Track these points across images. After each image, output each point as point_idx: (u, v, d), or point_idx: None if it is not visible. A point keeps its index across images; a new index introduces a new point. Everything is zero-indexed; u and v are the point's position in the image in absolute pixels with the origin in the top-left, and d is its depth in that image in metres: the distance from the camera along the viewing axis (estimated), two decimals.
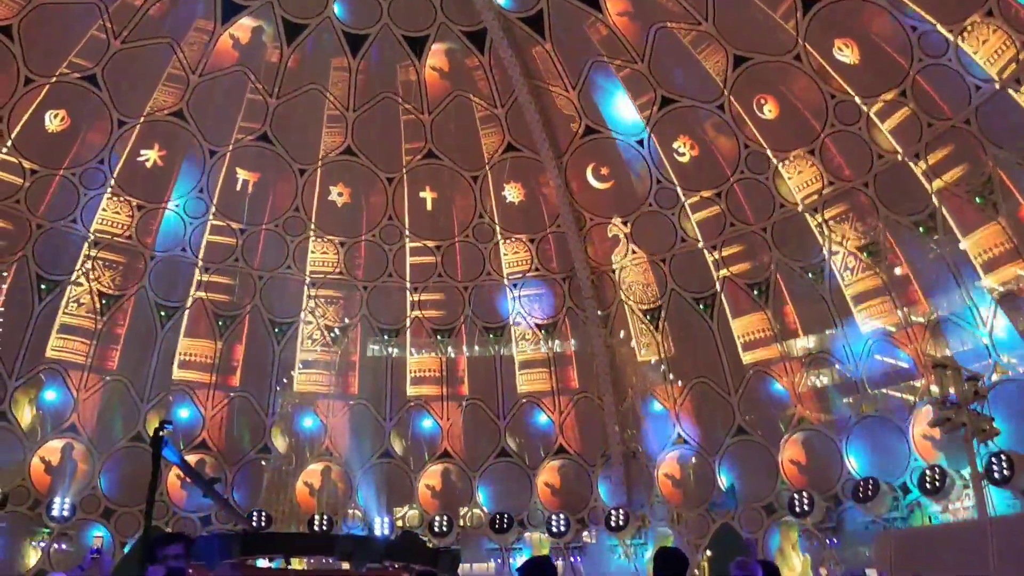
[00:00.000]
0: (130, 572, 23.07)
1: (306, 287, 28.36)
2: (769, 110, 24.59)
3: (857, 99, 22.87)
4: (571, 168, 27.27)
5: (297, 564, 19.79)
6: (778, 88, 24.39)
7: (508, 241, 28.59)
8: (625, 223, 27.23)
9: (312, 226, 28.08)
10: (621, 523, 25.52)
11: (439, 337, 28.80)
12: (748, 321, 26.05)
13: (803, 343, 25.33)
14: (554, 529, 25.88)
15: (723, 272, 26.12)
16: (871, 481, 22.34)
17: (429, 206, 28.75)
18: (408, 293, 28.76)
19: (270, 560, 17.76)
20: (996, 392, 19.31)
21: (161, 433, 9.51)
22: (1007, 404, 19.79)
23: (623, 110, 26.64)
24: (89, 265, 25.90)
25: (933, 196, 22.07)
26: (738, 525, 24.67)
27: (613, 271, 27.61)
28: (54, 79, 24.39)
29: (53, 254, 25.30)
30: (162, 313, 26.84)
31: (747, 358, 25.92)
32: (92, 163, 25.52)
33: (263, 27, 26.29)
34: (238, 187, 27.58)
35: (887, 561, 15.35)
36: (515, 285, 28.62)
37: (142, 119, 25.80)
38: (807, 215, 24.56)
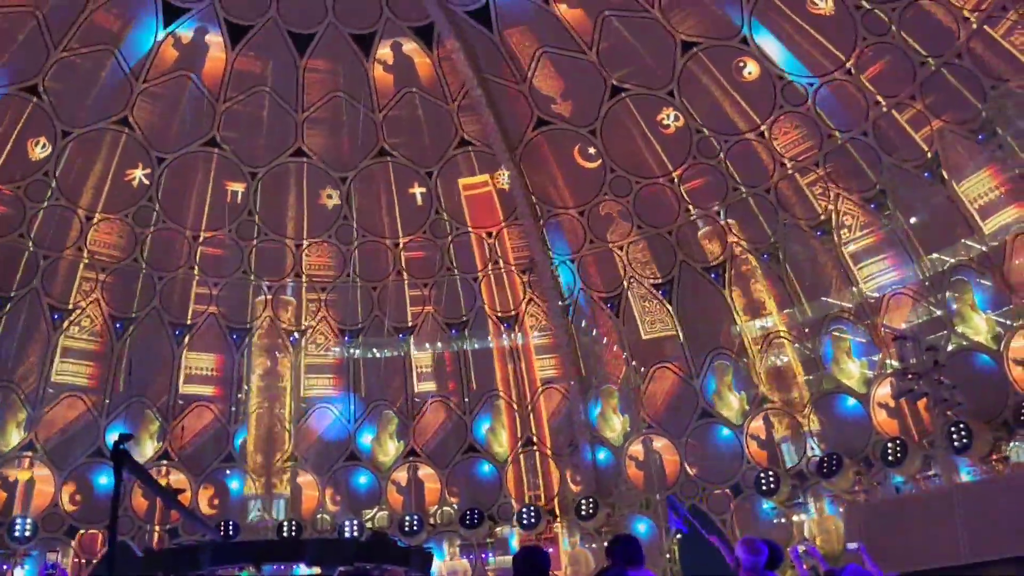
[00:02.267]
0: None
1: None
2: None
3: None
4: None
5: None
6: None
7: None
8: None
9: None
10: (591, 512, 25.54)
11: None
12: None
13: (762, 322, 25.68)
14: (525, 522, 25.84)
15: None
16: (834, 456, 22.65)
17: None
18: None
19: (240, 569, 17.53)
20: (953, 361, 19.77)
21: (121, 447, 9.27)
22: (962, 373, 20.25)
23: None
24: None
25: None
26: (706, 508, 24.88)
27: (573, 260, 27.75)
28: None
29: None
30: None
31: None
32: None
33: None
34: None
35: (857, 533, 15.58)
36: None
37: None
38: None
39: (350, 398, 28.14)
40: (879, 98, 22.55)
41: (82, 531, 24.48)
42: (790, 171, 24.53)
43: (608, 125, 26.32)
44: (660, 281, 26.90)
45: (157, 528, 24.76)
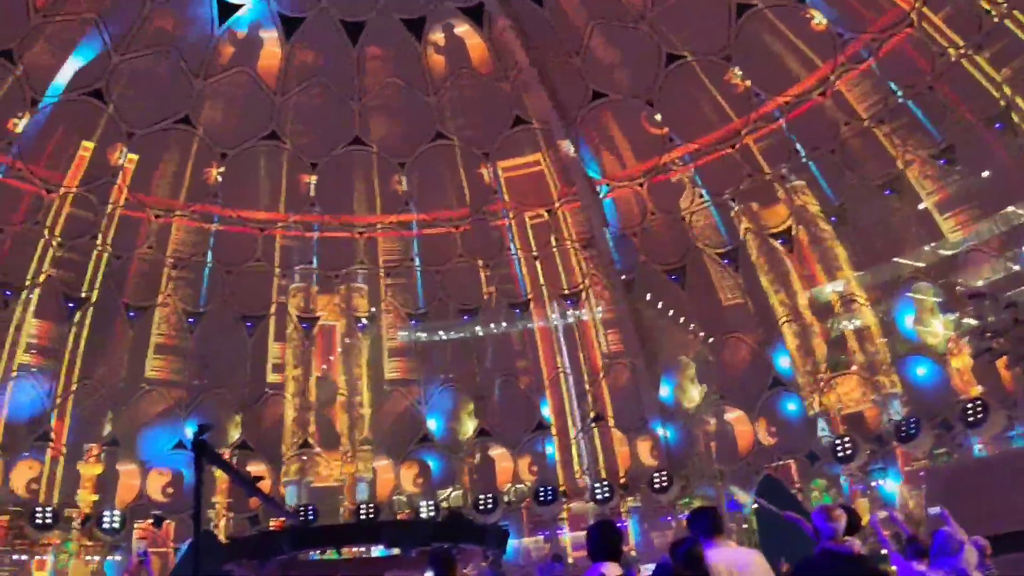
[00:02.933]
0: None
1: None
2: None
3: None
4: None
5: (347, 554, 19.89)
6: None
7: None
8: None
9: None
10: (664, 485, 25.42)
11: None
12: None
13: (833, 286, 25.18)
14: (598, 497, 25.84)
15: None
16: (912, 420, 22.13)
17: None
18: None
19: (320, 553, 17.85)
20: None
21: (201, 437, 9.52)
22: None
23: None
24: None
25: None
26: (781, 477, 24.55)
27: (634, 233, 27.52)
28: None
29: None
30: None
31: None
32: None
33: None
34: None
35: (939, 498, 15.18)
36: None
37: None
38: None
39: (424, 380, 28.41)
40: (947, 49, 21.76)
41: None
42: (856, 130, 23.88)
43: (665, 93, 25.95)
44: (726, 250, 26.51)
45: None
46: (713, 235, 26.94)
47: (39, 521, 23.12)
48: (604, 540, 5.84)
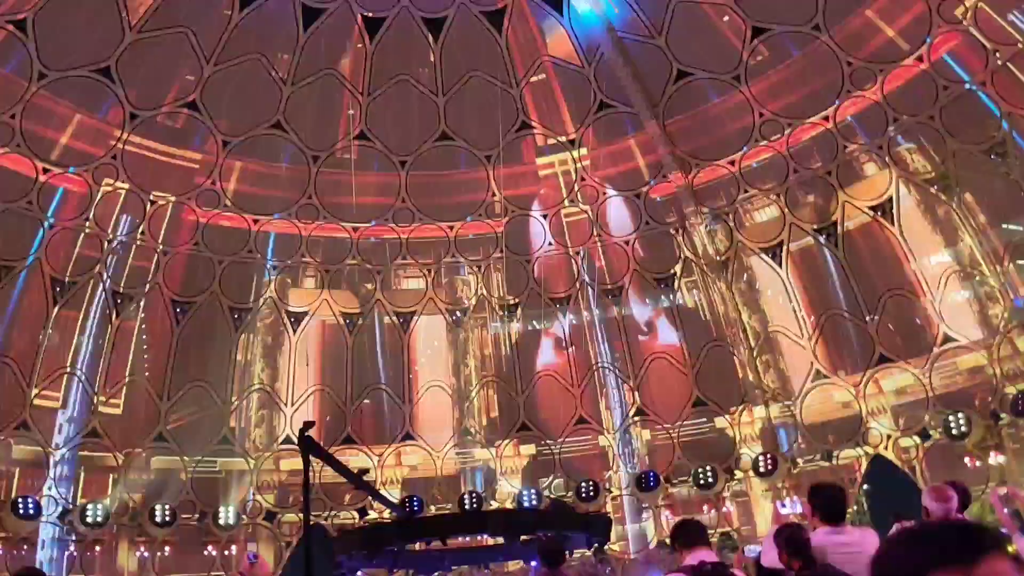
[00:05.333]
0: (296, 570, 24.06)
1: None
2: None
3: None
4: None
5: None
6: None
7: None
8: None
9: None
10: (770, 468, 24.95)
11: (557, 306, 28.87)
12: None
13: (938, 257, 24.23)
14: (702, 481, 25.52)
15: None
16: None
17: None
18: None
19: (427, 543, 18.16)
20: None
21: (305, 434, 9.84)
22: None
23: None
24: None
25: None
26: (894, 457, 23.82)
27: (726, 212, 27.01)
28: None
29: None
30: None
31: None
32: None
33: None
34: None
35: None
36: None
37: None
38: None
39: (515, 370, 28.57)
40: None
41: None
42: (956, 93, 22.88)
43: (752, 68, 25.38)
44: (822, 225, 25.77)
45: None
46: (808, 212, 26.24)
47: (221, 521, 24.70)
48: (690, 528, 5.86)
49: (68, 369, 25.20)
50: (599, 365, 28.26)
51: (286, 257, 28.03)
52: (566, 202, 28.54)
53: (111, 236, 25.65)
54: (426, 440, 27.51)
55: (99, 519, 23.41)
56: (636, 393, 27.38)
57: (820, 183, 25.85)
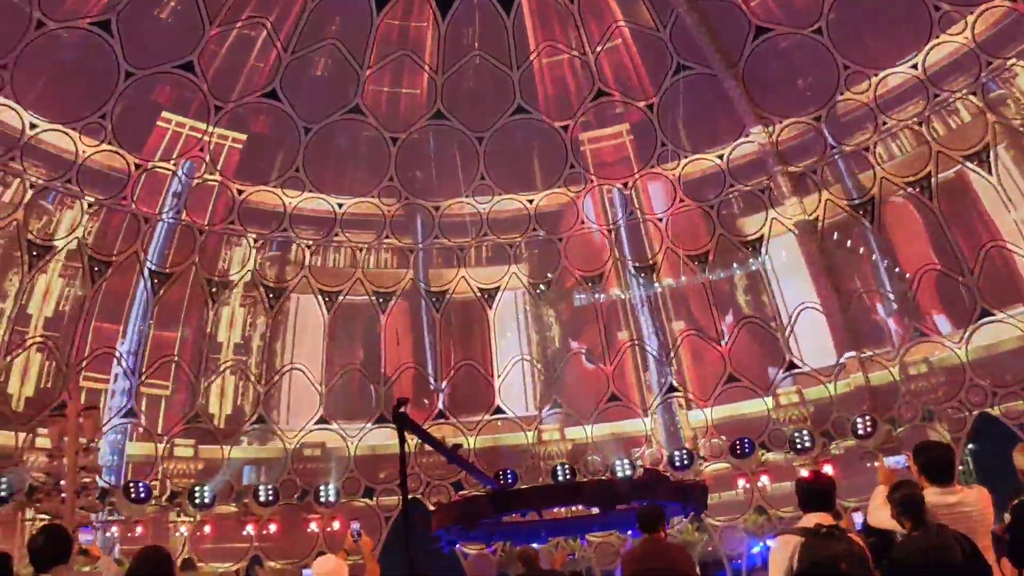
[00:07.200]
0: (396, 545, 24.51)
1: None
2: None
3: None
4: None
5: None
6: None
7: None
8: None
9: None
10: (869, 430, 24.28)
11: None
12: None
13: None
14: (798, 446, 25.00)
15: None
16: None
17: None
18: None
19: (522, 515, 18.25)
20: None
21: (400, 410, 9.97)
22: None
23: None
24: None
25: None
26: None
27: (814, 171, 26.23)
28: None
29: None
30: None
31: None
32: None
33: None
34: None
35: None
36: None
37: None
38: None
39: (603, 342, 28.47)
40: None
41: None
42: None
43: (836, 22, 24.43)
44: (916, 178, 24.77)
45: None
46: (901, 167, 25.23)
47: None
48: (813, 491, 5.64)
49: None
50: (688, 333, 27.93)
51: (372, 239, 28.43)
52: (646, 168, 28.13)
53: (206, 227, 26.45)
54: (515, 413, 27.72)
55: (207, 500, 24.29)
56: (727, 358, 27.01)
57: (909, 134, 24.86)
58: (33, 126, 22.94)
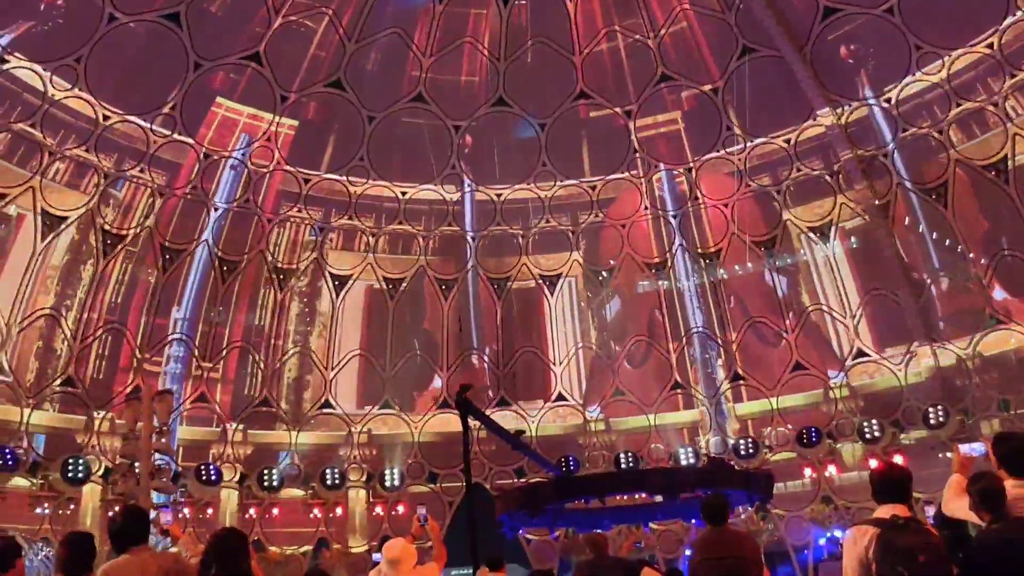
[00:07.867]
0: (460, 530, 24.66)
1: None
2: None
3: None
4: None
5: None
6: None
7: None
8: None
9: None
10: (941, 420, 23.67)
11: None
12: None
13: None
14: (867, 436, 24.50)
15: None
16: None
17: None
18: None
19: (585, 502, 18.24)
20: None
21: (464, 395, 10.09)
22: None
23: None
24: None
25: None
26: None
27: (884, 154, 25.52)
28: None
29: None
30: None
31: None
32: None
33: None
34: None
35: None
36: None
37: None
38: None
39: (666, 330, 28.24)
40: None
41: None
42: None
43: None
44: (991, 161, 23.94)
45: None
46: (976, 148, 24.41)
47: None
48: (892, 483, 5.47)
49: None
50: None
51: (435, 227, 28.61)
52: (712, 153, 27.71)
53: (272, 215, 26.96)
54: (576, 400, 27.69)
55: (275, 483, 24.81)
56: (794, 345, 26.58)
57: (983, 116, 24.05)
58: (106, 117, 23.61)
